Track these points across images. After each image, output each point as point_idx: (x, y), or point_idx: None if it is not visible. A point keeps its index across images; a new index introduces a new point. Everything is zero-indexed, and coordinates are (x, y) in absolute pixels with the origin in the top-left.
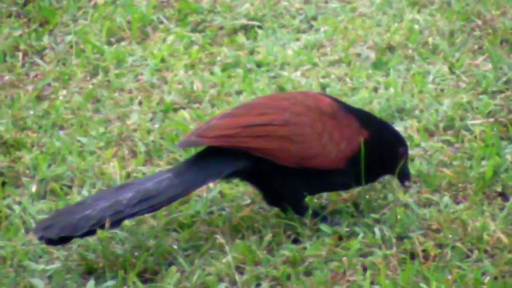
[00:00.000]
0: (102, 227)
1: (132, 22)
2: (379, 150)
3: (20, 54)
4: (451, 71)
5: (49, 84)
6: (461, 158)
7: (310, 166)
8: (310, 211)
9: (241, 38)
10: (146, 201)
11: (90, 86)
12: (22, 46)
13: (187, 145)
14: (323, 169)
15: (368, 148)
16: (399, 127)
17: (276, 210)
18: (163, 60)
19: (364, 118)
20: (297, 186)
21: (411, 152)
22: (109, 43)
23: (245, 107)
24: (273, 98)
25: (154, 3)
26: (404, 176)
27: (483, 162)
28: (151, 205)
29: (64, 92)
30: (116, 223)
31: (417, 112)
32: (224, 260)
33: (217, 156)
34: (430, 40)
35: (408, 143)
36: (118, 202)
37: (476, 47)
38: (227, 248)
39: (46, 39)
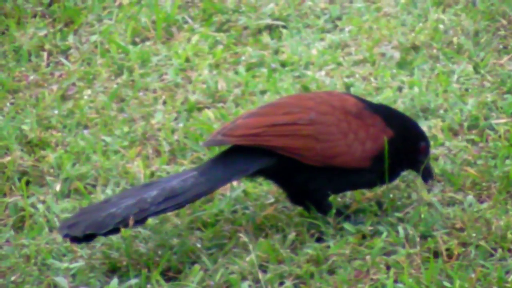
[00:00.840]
0: (127, 225)
1: (157, 22)
2: (403, 146)
3: (45, 54)
4: (476, 71)
5: (73, 84)
6: (485, 157)
7: (335, 165)
8: (333, 210)
9: (265, 38)
10: (171, 199)
11: (115, 86)
12: (47, 46)
13: (213, 144)
14: (347, 168)
15: (392, 147)
16: (423, 126)
17: (299, 209)
18: (187, 60)
19: (389, 116)
20: (321, 185)
21: (436, 151)
22: (134, 43)
23: (270, 106)
24: (298, 97)
25: (179, 3)
26: (427, 175)
27: (508, 161)
28: (176, 203)
29: (89, 91)
30: (141, 221)
31: (441, 111)
32: (247, 259)
33: (242, 155)
34: (454, 39)
35: (432, 143)
36: (143, 200)
37: (501, 46)
38: (250, 246)
39: (71, 39)
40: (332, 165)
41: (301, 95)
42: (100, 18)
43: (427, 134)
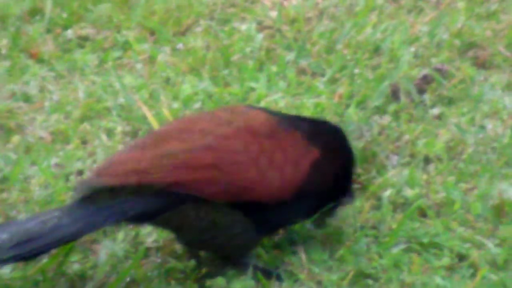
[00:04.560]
0: None
1: None
2: (333, 170)
3: None
4: None
5: None
6: None
7: (248, 200)
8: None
9: None
10: (26, 244)
11: None
12: None
13: (84, 189)
14: (264, 203)
15: (320, 171)
16: None
17: None
18: None
19: (313, 132)
20: (239, 229)
21: None
22: None
23: (157, 134)
24: (191, 120)
25: None
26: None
27: None
28: (31, 249)
29: None
30: None
31: None
32: None
33: (122, 191)
34: None
35: None
36: None
37: None
38: None
39: None
40: (244, 201)
41: (194, 116)
42: None
43: None
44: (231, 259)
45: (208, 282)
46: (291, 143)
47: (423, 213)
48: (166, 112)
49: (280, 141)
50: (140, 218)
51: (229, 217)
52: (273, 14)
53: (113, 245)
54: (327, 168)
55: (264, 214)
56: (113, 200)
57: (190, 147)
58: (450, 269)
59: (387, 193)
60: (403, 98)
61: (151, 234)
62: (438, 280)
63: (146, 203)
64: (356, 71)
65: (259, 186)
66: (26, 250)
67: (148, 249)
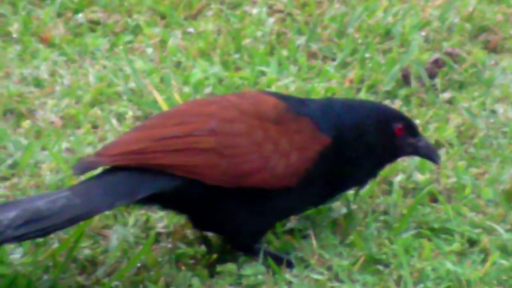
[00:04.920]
0: None
1: None
2: (361, 145)
3: None
4: None
5: None
6: None
7: (249, 186)
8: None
9: None
10: (35, 223)
11: None
12: None
13: (82, 168)
14: (267, 189)
15: (331, 159)
16: None
17: None
18: None
19: (325, 116)
20: (246, 215)
21: None
22: None
23: (159, 117)
24: (197, 103)
25: None
26: (431, 155)
27: None
28: (40, 228)
29: None
30: None
31: None
32: None
33: (131, 173)
34: None
35: None
36: None
37: None
38: None
39: None
40: (245, 186)
41: (202, 100)
42: None
43: None
44: (241, 245)
45: (219, 268)
46: (298, 129)
47: (433, 198)
48: (176, 97)
49: (287, 127)
50: (150, 200)
51: (235, 203)
52: None
53: (124, 230)
54: (338, 156)
55: (271, 201)
56: (122, 181)
57: (192, 130)
58: (461, 254)
59: (398, 178)
60: (414, 83)
61: (162, 220)
62: (448, 265)
63: (156, 184)
64: (367, 55)
65: (261, 171)
66: (36, 229)
67: (159, 234)
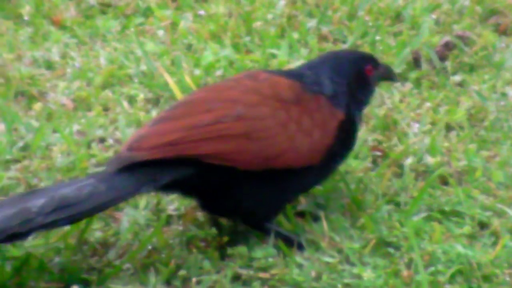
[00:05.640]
0: (8, 238)
1: None
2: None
3: None
4: None
5: None
6: None
7: (279, 167)
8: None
9: None
10: (63, 210)
11: None
12: None
13: (118, 164)
14: (293, 168)
15: (345, 132)
16: None
17: None
18: None
19: (335, 91)
20: (265, 195)
21: None
22: None
23: (184, 105)
24: (217, 89)
25: None
26: (389, 76)
27: None
28: (69, 215)
29: None
30: (25, 234)
31: None
32: None
33: (154, 160)
34: None
35: None
36: (26, 209)
37: None
38: None
39: None
40: (274, 168)
41: (220, 85)
42: None
43: None
44: (255, 224)
45: (230, 250)
46: (317, 107)
47: (444, 181)
48: (188, 79)
49: (307, 106)
50: (172, 186)
51: (258, 184)
52: None
53: (135, 213)
54: (350, 128)
55: (294, 179)
56: (146, 167)
57: (219, 117)
58: (472, 237)
59: (409, 161)
60: (425, 65)
61: (172, 202)
62: (459, 248)
63: (179, 171)
64: (378, 38)
65: (289, 151)
66: (65, 216)
67: (169, 216)
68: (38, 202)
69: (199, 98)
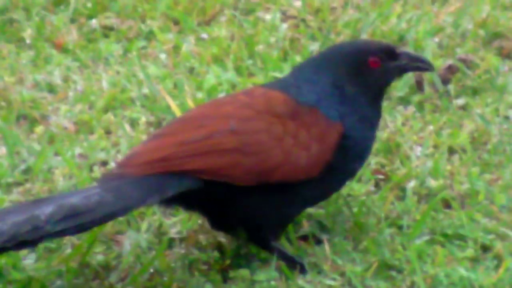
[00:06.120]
0: (18, 245)
1: None
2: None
3: None
4: None
5: None
6: None
7: (274, 181)
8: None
9: None
10: (72, 218)
11: None
12: None
13: (109, 180)
14: (291, 182)
15: (346, 145)
16: None
17: None
18: None
19: (331, 102)
20: (268, 209)
21: None
22: None
23: (178, 122)
24: (212, 105)
25: None
26: (415, 65)
27: None
28: (78, 223)
29: None
30: (34, 242)
31: None
32: None
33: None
34: None
35: None
36: (35, 217)
37: None
38: None
39: None
40: (270, 182)
41: (215, 102)
42: None
43: None
44: (260, 240)
45: (232, 273)
46: (314, 121)
47: (447, 204)
48: (190, 102)
49: (303, 119)
50: (176, 199)
51: (258, 198)
52: (298, 4)
53: (137, 235)
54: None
55: (295, 193)
56: (153, 179)
57: (212, 132)
58: (474, 260)
59: (411, 184)
60: (428, 89)
61: (175, 225)
62: (462, 271)
63: (183, 185)
64: None
65: (285, 165)
66: (73, 225)
67: (171, 240)
68: (47, 210)
69: (194, 114)
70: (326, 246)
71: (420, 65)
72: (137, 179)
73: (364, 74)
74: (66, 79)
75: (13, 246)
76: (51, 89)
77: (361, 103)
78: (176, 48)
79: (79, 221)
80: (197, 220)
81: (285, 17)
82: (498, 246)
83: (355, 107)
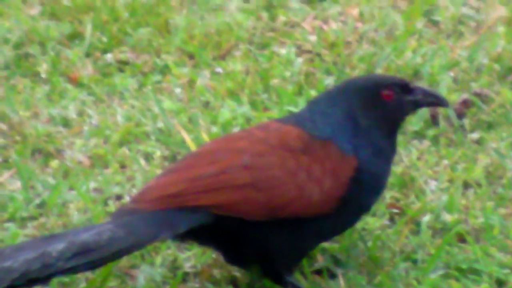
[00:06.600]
0: (29, 282)
1: None
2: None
3: None
4: None
5: None
6: None
7: (288, 217)
8: None
9: None
10: (83, 255)
11: None
12: None
13: (122, 215)
14: (305, 217)
15: (365, 172)
16: None
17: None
18: None
19: (345, 135)
20: (282, 244)
21: None
22: None
23: (191, 157)
24: (226, 140)
25: None
26: (437, 101)
27: None
28: (90, 260)
29: None
30: (44, 279)
31: None
32: None
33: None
34: None
35: None
36: (46, 253)
37: None
38: None
39: None
40: (284, 218)
41: (229, 136)
42: None
43: None
44: (274, 275)
45: None
46: (327, 155)
47: (462, 239)
48: (205, 136)
49: (316, 154)
50: (189, 234)
51: (272, 233)
52: (313, 38)
53: (151, 270)
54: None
55: (309, 228)
56: (165, 214)
57: (225, 168)
58: None
59: (426, 218)
60: (443, 123)
61: (189, 259)
62: None
63: (195, 220)
64: None
65: (298, 200)
66: (85, 262)
67: (186, 274)
68: (58, 247)
69: (207, 149)
70: (341, 281)
71: (434, 100)
72: (149, 215)
73: (377, 107)
74: (81, 113)
75: (24, 283)
76: (66, 123)
77: (376, 136)
78: (191, 82)
79: (90, 258)
80: (212, 254)
81: (300, 51)
82: None
83: (369, 140)
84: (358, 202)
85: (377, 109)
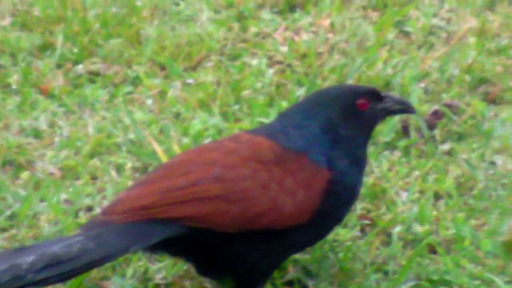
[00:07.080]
0: None
1: None
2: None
3: None
4: None
5: None
6: None
7: (261, 228)
8: None
9: None
10: (55, 267)
11: None
12: None
13: (93, 227)
14: (279, 229)
15: (342, 184)
16: None
17: None
18: None
19: (320, 148)
20: (255, 255)
21: None
22: None
23: (162, 169)
24: (197, 152)
25: None
26: (405, 108)
27: None
28: (60, 272)
29: None
30: None
31: None
32: None
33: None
34: None
35: None
36: (16, 265)
37: None
38: None
39: None
40: (257, 230)
41: (200, 148)
42: None
43: None
44: (247, 285)
45: None
46: (300, 167)
47: (433, 250)
48: (176, 148)
49: (289, 166)
50: (161, 246)
51: (246, 245)
52: (284, 49)
53: (122, 281)
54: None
55: (283, 239)
56: (136, 226)
57: (196, 179)
58: None
59: (397, 229)
60: (413, 134)
61: (160, 271)
62: None
63: (167, 231)
64: None
65: (271, 212)
66: (55, 274)
67: (157, 285)
68: (28, 259)
69: (179, 161)
70: None
71: (403, 107)
72: (120, 227)
73: (354, 117)
74: (52, 125)
75: None
76: (37, 134)
77: (353, 146)
78: (162, 94)
79: (61, 269)
80: (183, 266)
81: (271, 62)
82: None
83: (347, 150)
84: (333, 213)
85: (354, 118)
